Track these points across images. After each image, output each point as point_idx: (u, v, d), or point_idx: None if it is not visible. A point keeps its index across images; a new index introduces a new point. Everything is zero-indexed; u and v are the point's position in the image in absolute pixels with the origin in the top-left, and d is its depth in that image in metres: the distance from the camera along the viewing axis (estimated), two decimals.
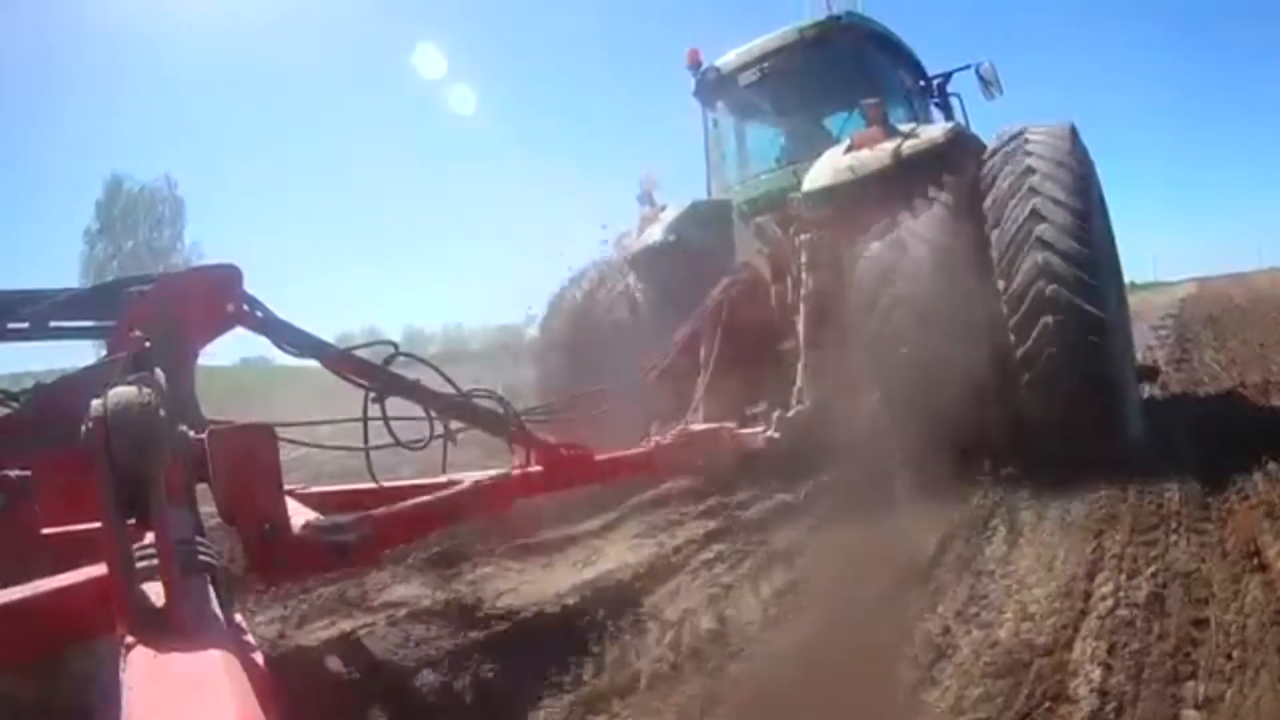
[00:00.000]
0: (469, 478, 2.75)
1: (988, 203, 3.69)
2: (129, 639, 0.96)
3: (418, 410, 2.54)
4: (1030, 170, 3.60)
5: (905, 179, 3.92)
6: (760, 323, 4.44)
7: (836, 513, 3.35)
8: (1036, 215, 3.46)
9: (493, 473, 2.82)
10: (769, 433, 3.75)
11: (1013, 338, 3.43)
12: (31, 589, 1.24)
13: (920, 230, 3.70)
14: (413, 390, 2.52)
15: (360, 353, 2.51)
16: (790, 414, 3.81)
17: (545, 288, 5.68)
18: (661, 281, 4.93)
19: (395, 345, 2.64)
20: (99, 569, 1.23)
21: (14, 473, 1.60)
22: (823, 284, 4.08)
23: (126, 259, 36.82)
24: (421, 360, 2.95)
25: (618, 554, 3.09)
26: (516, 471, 2.84)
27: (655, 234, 5.07)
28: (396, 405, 2.46)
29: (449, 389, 2.66)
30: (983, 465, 3.51)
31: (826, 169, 4.23)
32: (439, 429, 2.59)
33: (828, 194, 4.15)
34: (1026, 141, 3.76)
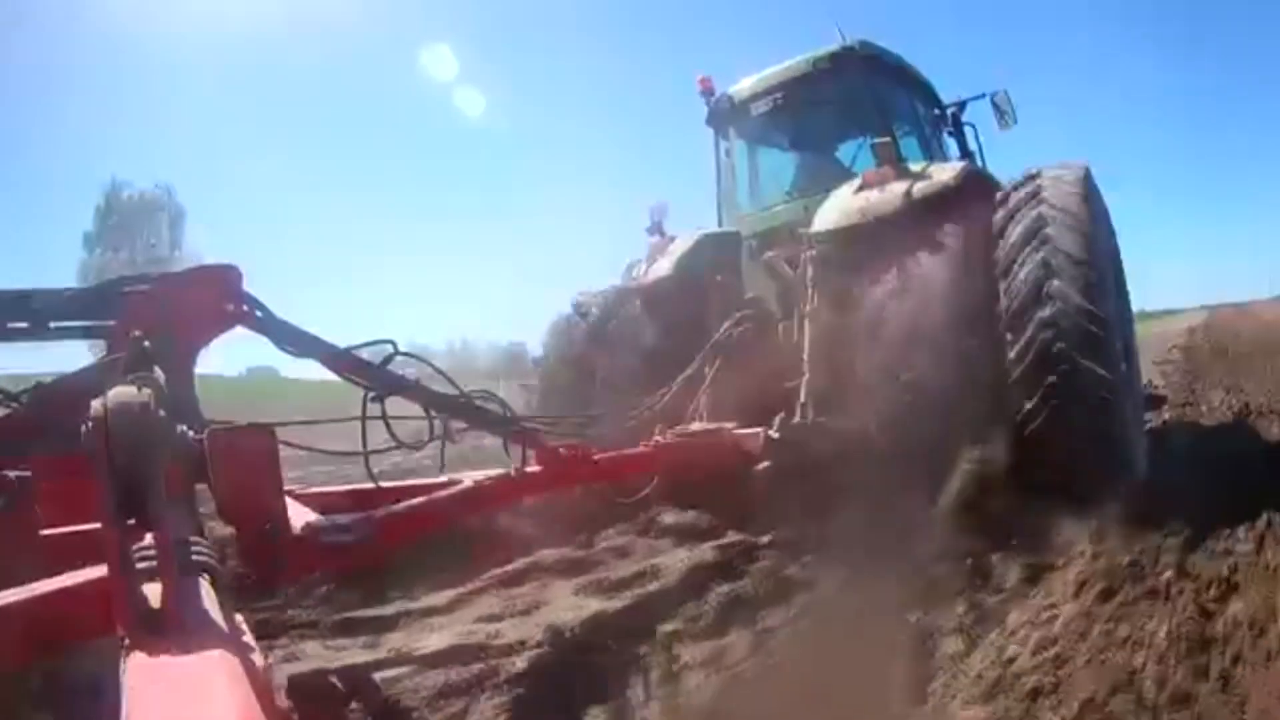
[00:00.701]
0: (469, 478, 2.76)
1: (999, 252, 3.67)
2: (129, 640, 0.96)
3: (418, 410, 2.54)
4: (1042, 221, 3.57)
5: (916, 221, 3.88)
6: (768, 360, 4.37)
7: (731, 608, 2.74)
8: (1046, 268, 3.44)
9: (493, 473, 2.83)
10: (769, 432, 3.74)
11: (1017, 391, 3.42)
12: (31, 590, 1.24)
13: (930, 276, 3.67)
14: (413, 390, 2.51)
15: (360, 353, 2.51)
16: (794, 421, 3.80)
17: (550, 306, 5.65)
18: (669, 316, 4.87)
19: (394, 344, 2.63)
20: (99, 570, 1.23)
21: (14, 473, 1.60)
22: (829, 309, 4.04)
23: (124, 266, 36.91)
24: (422, 360, 2.95)
25: (445, 640, 2.62)
26: (516, 472, 2.84)
27: (664, 267, 5.01)
28: (396, 406, 2.46)
29: (449, 389, 2.66)
30: (937, 557, 2.90)
31: (836, 210, 4.20)
32: (438, 429, 2.59)
33: (837, 235, 4.12)
34: (1040, 189, 3.71)
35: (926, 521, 3.09)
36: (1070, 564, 2.63)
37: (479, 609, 2.92)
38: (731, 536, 3.50)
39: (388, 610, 2.89)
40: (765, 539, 3.38)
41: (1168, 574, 2.46)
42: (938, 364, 3.46)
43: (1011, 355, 3.46)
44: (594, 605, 2.87)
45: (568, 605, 2.90)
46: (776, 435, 3.71)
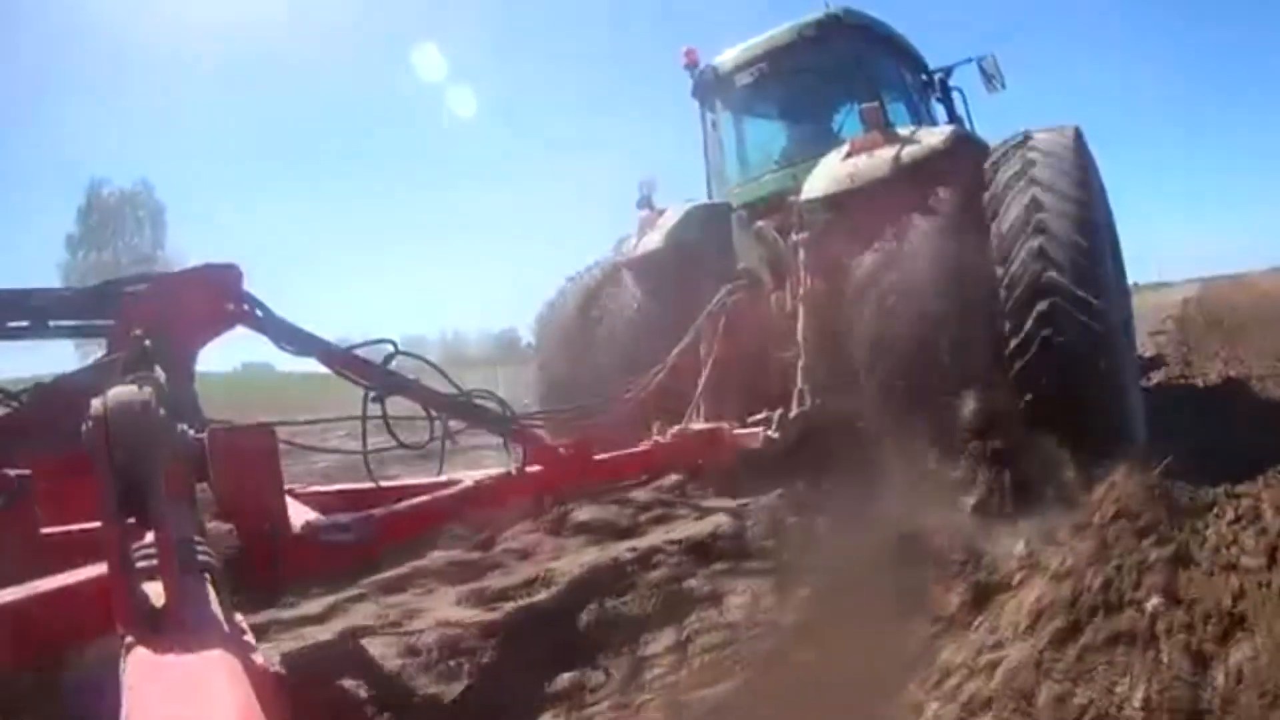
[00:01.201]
0: (469, 477, 2.76)
1: (988, 196, 3.68)
2: (129, 639, 0.96)
3: (418, 410, 2.54)
4: (1031, 163, 3.59)
5: (905, 186, 3.88)
6: (761, 330, 4.40)
7: (608, 629, 2.39)
8: (1035, 203, 3.43)
9: (493, 472, 2.83)
10: (768, 432, 3.74)
11: (1008, 324, 3.38)
12: (31, 589, 1.24)
13: (920, 239, 3.68)
14: (413, 389, 2.52)
15: (359, 352, 2.51)
16: (791, 414, 3.80)
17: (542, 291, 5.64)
18: (660, 288, 4.87)
19: (394, 344, 2.64)
20: (99, 569, 1.23)
21: (14, 473, 1.60)
22: (822, 285, 4.06)
23: (107, 266, 36.60)
24: (421, 359, 2.95)
25: (300, 656, 2.25)
26: (516, 471, 2.84)
27: (654, 240, 5.01)
28: (396, 405, 2.46)
29: (449, 388, 2.67)
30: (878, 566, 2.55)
31: (824, 176, 4.20)
32: (438, 428, 2.59)
33: (827, 202, 4.12)
34: (1029, 139, 3.74)
35: (882, 518, 2.76)
36: (1028, 582, 2.14)
37: (352, 618, 2.56)
38: (648, 537, 3.09)
39: (260, 618, 2.43)
40: (681, 537, 2.98)
41: (1152, 602, 1.91)
42: (932, 328, 3.44)
43: (1002, 288, 3.43)
44: (468, 617, 2.51)
45: (441, 617, 2.54)
46: (775, 435, 3.72)
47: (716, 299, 4.37)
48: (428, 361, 2.91)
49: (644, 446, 3.55)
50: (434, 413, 2.55)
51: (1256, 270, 35.53)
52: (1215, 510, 2.71)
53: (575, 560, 2.92)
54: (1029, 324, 3.30)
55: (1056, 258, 3.30)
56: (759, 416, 3.88)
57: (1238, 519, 2.57)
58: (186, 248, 39.33)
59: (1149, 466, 2.62)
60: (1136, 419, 3.57)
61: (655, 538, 3.07)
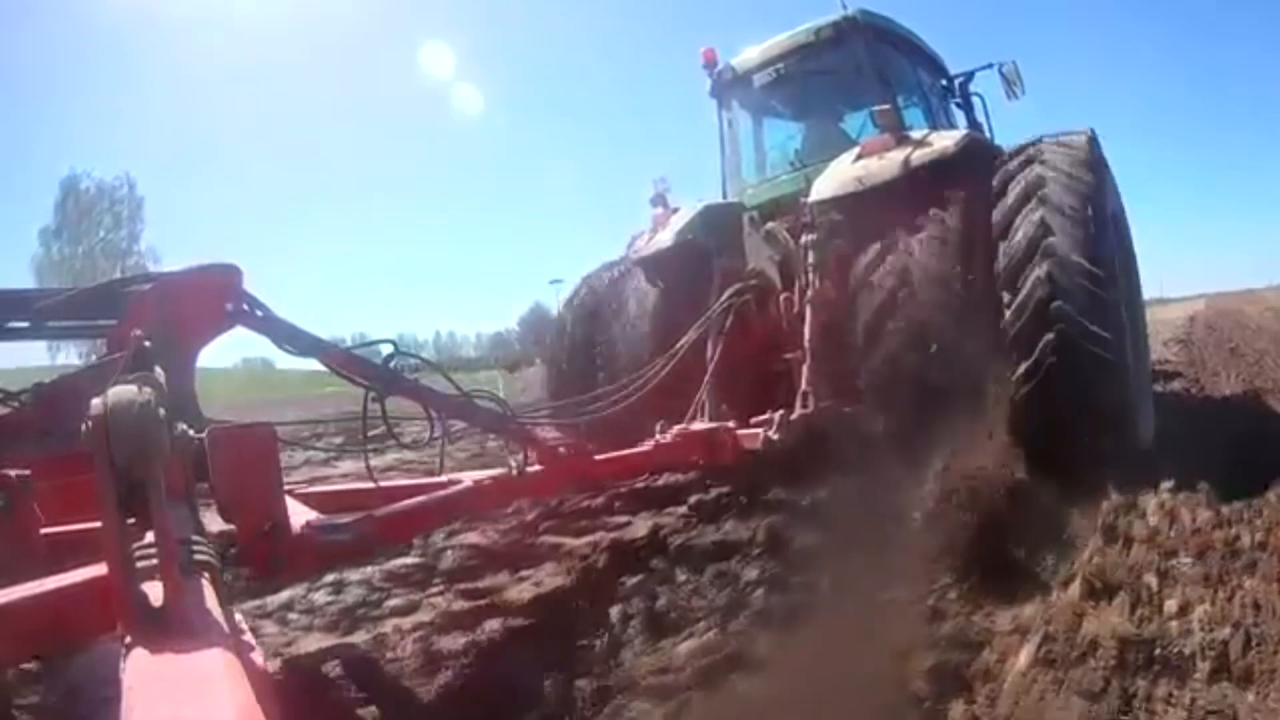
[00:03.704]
0: (469, 477, 2.75)
1: (996, 215, 3.65)
2: (129, 639, 0.96)
3: (417, 410, 2.54)
4: (1041, 181, 3.55)
5: (915, 189, 3.85)
6: (768, 331, 4.40)
7: None
8: (1044, 226, 3.40)
9: (493, 472, 2.82)
10: (769, 433, 3.74)
11: (1015, 351, 3.37)
12: (31, 589, 1.24)
13: (928, 245, 3.66)
14: (413, 390, 2.51)
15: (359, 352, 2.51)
16: (794, 416, 3.80)
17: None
18: (670, 285, 4.91)
19: (394, 344, 2.64)
20: (99, 569, 1.23)
21: (14, 473, 1.60)
22: (829, 287, 4.05)
23: (82, 261, 36.04)
24: (421, 359, 2.95)
25: None
26: (516, 471, 2.83)
27: (666, 238, 5.02)
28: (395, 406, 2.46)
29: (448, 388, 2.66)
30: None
31: (834, 178, 4.20)
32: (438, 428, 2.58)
33: (835, 204, 4.11)
34: (1040, 152, 3.69)
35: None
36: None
37: None
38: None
39: None
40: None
41: None
42: (935, 335, 3.45)
43: (1009, 311, 3.41)
44: None
45: None
46: (776, 436, 3.71)
47: (723, 298, 4.37)
48: (427, 362, 2.91)
49: (645, 447, 3.54)
50: (434, 413, 2.55)
51: (1263, 287, 34.78)
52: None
53: None
54: (1036, 351, 3.29)
55: (1065, 285, 3.28)
56: (762, 418, 3.87)
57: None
58: (164, 245, 38.75)
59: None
60: (1144, 425, 3.52)
61: None
